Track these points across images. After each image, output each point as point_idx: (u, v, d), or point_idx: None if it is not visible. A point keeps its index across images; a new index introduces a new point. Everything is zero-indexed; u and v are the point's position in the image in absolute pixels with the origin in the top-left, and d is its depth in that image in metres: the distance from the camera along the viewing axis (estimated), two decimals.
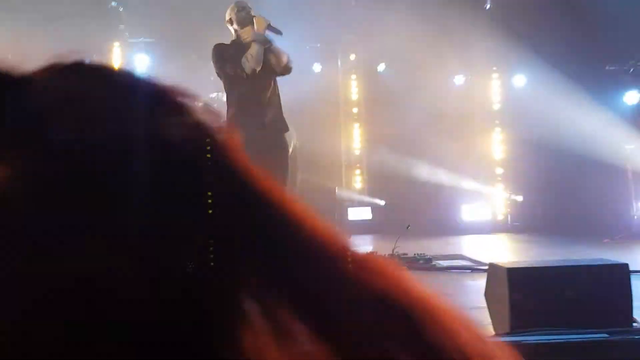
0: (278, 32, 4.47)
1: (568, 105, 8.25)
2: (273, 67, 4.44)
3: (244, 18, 4.45)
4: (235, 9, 4.49)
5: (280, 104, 4.51)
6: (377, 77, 9.64)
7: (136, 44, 9.29)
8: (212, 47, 4.48)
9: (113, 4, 8.73)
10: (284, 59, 4.42)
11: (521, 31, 8.41)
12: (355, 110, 9.46)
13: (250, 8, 4.53)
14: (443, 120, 8.98)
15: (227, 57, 4.34)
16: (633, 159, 7.80)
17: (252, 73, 4.28)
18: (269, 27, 4.42)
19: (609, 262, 3.06)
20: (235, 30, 4.50)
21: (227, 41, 4.54)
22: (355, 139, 9.45)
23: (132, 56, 9.39)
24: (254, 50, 4.31)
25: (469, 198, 9.08)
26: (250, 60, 4.26)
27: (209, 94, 8.08)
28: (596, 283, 2.93)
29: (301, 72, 8.59)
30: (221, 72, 4.43)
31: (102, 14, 8.71)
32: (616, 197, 7.99)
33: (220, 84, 4.71)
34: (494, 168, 9.25)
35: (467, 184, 9.16)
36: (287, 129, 4.52)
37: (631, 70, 8.74)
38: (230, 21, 4.52)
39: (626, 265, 2.99)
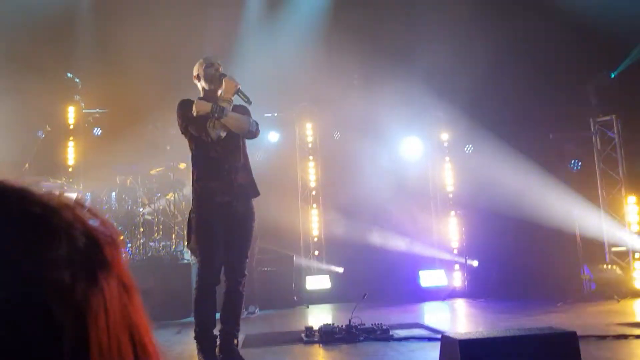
0: (247, 100, 4.11)
1: (516, 172, 8.56)
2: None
3: (212, 76, 4.11)
4: (204, 65, 4.15)
5: (250, 167, 4.19)
6: (333, 146, 9.83)
7: (91, 114, 9.32)
8: (178, 102, 4.11)
9: (68, 75, 8.77)
10: (245, 127, 4.06)
11: (467, 101, 8.78)
12: (312, 177, 9.57)
13: (220, 65, 4.20)
14: (398, 187, 9.17)
15: (191, 117, 3.97)
16: (580, 224, 8.07)
17: (218, 139, 3.96)
18: (239, 91, 4.08)
19: (558, 331, 3.11)
20: (203, 88, 4.17)
21: (194, 97, 4.16)
22: (313, 206, 9.50)
23: (87, 125, 9.40)
24: (226, 119, 3.96)
25: (426, 264, 9.15)
26: (216, 127, 3.94)
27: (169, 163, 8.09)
28: (546, 352, 2.96)
29: (258, 140, 8.75)
30: (185, 132, 4.08)
31: (58, 84, 8.75)
32: (567, 260, 8.19)
33: (180, 152, 4.49)
34: (448, 234, 9.40)
35: (424, 250, 9.26)
36: (257, 194, 4.19)
37: (572, 138, 9.18)
38: (198, 77, 4.19)
39: (574, 333, 3.05)
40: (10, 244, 0.43)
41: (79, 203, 0.49)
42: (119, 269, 0.48)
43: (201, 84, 4.18)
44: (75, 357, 0.42)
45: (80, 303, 0.43)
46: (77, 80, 8.87)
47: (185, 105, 4.05)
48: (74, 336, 0.42)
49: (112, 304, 0.45)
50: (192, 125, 3.98)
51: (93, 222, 0.48)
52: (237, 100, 4.16)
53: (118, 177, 8.39)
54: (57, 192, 0.50)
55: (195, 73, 4.21)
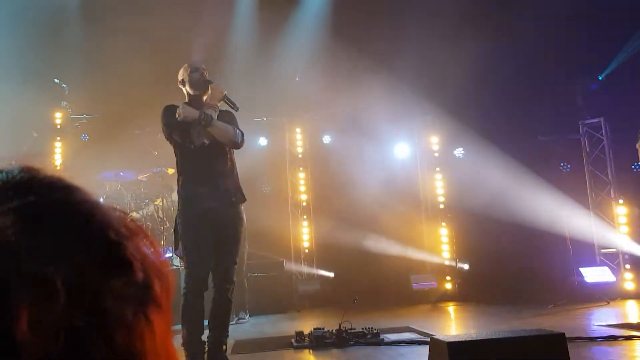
0: (234, 106, 4.04)
1: (506, 175, 8.59)
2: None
3: (197, 81, 4.03)
4: (189, 70, 4.07)
5: (236, 173, 4.11)
6: (323, 150, 9.84)
7: (78, 120, 9.28)
8: (162, 108, 4.02)
9: (55, 80, 8.72)
10: (230, 137, 3.97)
11: (456, 105, 8.81)
12: (302, 182, 9.55)
13: (205, 69, 4.12)
14: (388, 192, 9.17)
15: (175, 123, 3.90)
16: (570, 226, 8.09)
17: (202, 146, 3.89)
18: (225, 98, 4.00)
19: (546, 333, 3.09)
20: (188, 93, 4.08)
21: (179, 102, 4.06)
22: (304, 212, 9.48)
23: (74, 131, 9.34)
24: (198, 126, 3.88)
25: (416, 268, 9.15)
26: (200, 134, 3.88)
27: (152, 169, 8.04)
28: (535, 353, 2.95)
29: (248, 146, 8.72)
30: (170, 138, 4.01)
31: (45, 90, 8.70)
32: (558, 262, 8.21)
33: (168, 157, 4.41)
34: (439, 238, 9.41)
35: (415, 254, 9.26)
36: (244, 200, 4.12)
37: (561, 141, 9.22)
38: (183, 82, 4.10)
39: (563, 334, 3.03)
40: (78, 264, 0.42)
41: (140, 229, 0.48)
42: (167, 306, 0.47)
43: (186, 89, 4.10)
44: None
45: (137, 341, 0.43)
46: (64, 86, 8.81)
47: (169, 111, 3.97)
48: None
49: (160, 341, 0.46)
50: (176, 131, 3.92)
51: (149, 254, 0.47)
52: (223, 106, 4.11)
53: (106, 182, 8.33)
54: (126, 217, 0.49)
55: (180, 78, 4.14)
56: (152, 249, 0.48)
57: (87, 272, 0.42)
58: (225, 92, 4.03)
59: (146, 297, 0.45)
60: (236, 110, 4.08)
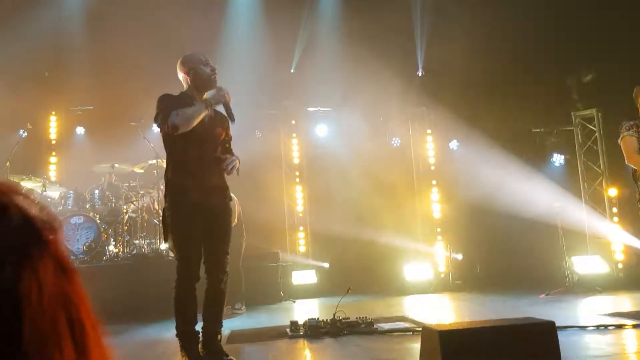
0: (231, 116, 3.94)
1: (499, 166, 8.64)
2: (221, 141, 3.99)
3: (209, 77, 3.94)
4: (198, 61, 3.96)
5: (224, 175, 4.02)
6: (317, 142, 9.86)
7: (74, 112, 9.27)
8: (160, 96, 3.89)
9: (46, 73, 8.72)
10: (229, 169, 3.94)
11: (450, 97, 8.84)
12: (297, 173, 9.58)
13: (216, 68, 4.00)
14: (382, 182, 9.22)
15: (163, 108, 3.80)
16: (562, 216, 8.16)
17: (173, 130, 3.71)
18: (226, 106, 3.89)
19: (536, 321, 3.15)
20: (191, 83, 3.96)
21: (175, 94, 3.96)
22: (299, 203, 9.52)
23: (70, 123, 9.34)
24: (196, 110, 3.80)
25: (411, 258, 9.21)
26: (179, 118, 3.72)
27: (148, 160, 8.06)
28: (525, 342, 3.00)
29: (243, 138, 8.73)
30: (159, 126, 3.89)
31: (39, 82, 8.69)
32: (550, 252, 8.29)
33: (160, 149, 4.36)
34: (433, 228, 9.47)
35: (409, 244, 9.32)
36: (229, 199, 4.09)
37: (555, 132, 9.28)
38: (191, 72, 3.96)
39: (552, 323, 3.08)
40: None
41: (17, 190, 0.50)
42: (57, 252, 0.48)
43: (191, 79, 3.98)
44: (8, 330, 0.43)
45: (12, 277, 0.43)
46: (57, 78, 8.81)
47: (164, 99, 3.91)
48: (4, 309, 0.43)
49: (46, 282, 0.46)
50: (162, 115, 3.80)
51: (31, 207, 0.49)
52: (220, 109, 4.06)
53: (102, 174, 8.34)
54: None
55: (186, 67, 3.99)
56: (33, 203, 0.50)
57: None
58: (230, 100, 3.92)
59: (26, 242, 0.46)
60: (232, 122, 4.00)
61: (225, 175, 4.07)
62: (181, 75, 4.05)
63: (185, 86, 4.04)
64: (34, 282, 0.45)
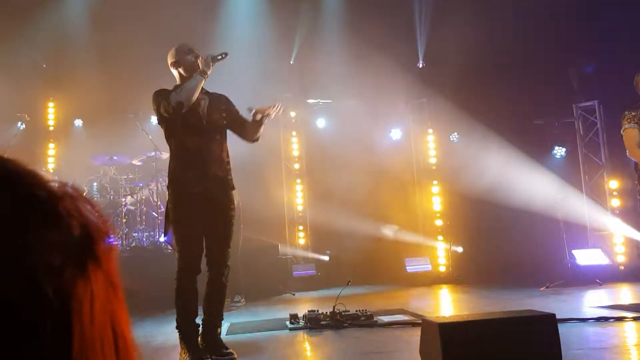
0: (223, 55, 3.97)
1: (500, 159, 8.61)
2: (231, 127, 4.06)
3: (192, 64, 4.00)
4: (182, 52, 4.04)
5: (228, 162, 4.07)
6: (317, 134, 9.82)
7: (72, 103, 9.24)
8: (155, 92, 3.98)
9: (44, 65, 8.69)
10: (259, 134, 4.06)
11: (451, 88, 8.79)
12: (297, 166, 9.55)
13: (198, 52, 4.06)
14: (383, 175, 9.19)
15: (160, 97, 3.89)
16: (563, 209, 8.14)
17: (178, 106, 3.80)
18: (212, 59, 3.92)
19: (537, 313, 3.12)
20: (181, 75, 4.04)
21: (170, 87, 4.02)
22: (298, 196, 9.49)
23: (68, 115, 9.30)
24: (192, 81, 3.87)
25: (411, 250, 9.20)
26: (179, 94, 3.82)
27: (146, 153, 8.02)
28: (526, 334, 2.98)
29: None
30: (159, 118, 3.99)
31: (36, 74, 8.66)
32: (551, 245, 8.26)
33: (162, 142, 4.35)
34: (433, 221, 9.44)
35: (409, 237, 9.30)
36: (233, 187, 4.10)
37: (556, 124, 9.23)
38: (176, 64, 4.06)
39: (553, 315, 3.06)
40: (11, 221, 0.44)
41: (81, 195, 0.51)
42: (108, 265, 0.49)
43: (180, 71, 4.06)
44: (57, 337, 0.43)
45: (67, 286, 0.44)
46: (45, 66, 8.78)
47: (159, 93, 3.97)
48: (58, 316, 0.44)
49: (98, 294, 0.47)
50: (162, 103, 3.87)
51: (91, 216, 0.50)
52: (218, 81, 4.09)
53: (100, 167, 8.31)
54: (64, 182, 0.51)
55: (172, 59, 4.08)
56: (94, 211, 0.50)
57: (17, 224, 0.44)
58: (208, 55, 3.96)
59: (84, 253, 0.46)
60: (225, 56, 4.00)
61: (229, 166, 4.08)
62: (171, 69, 4.12)
63: (177, 79, 4.10)
64: (87, 293, 0.46)
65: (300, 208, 9.45)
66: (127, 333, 0.51)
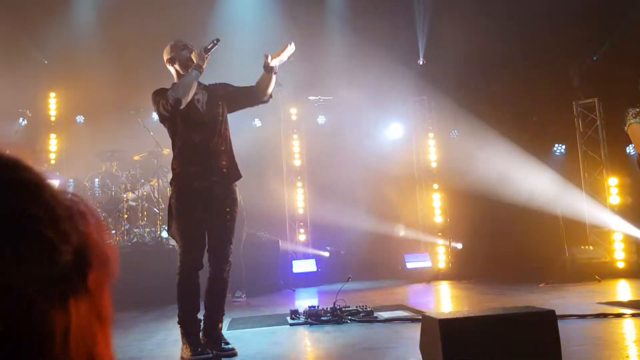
0: (215, 42, 3.98)
1: (500, 155, 8.63)
2: (234, 103, 4.11)
3: (187, 59, 4.03)
4: (177, 48, 4.06)
5: (232, 150, 4.11)
6: (318, 131, 9.83)
7: (73, 101, 9.26)
8: (154, 91, 4.02)
9: (45, 62, 8.69)
10: (271, 89, 4.13)
11: (451, 86, 8.80)
12: (297, 162, 9.56)
13: (192, 47, 4.09)
14: (383, 171, 9.21)
15: (159, 96, 3.92)
16: (562, 205, 8.15)
17: (176, 103, 3.80)
18: (206, 51, 3.95)
19: (537, 310, 3.15)
20: (177, 71, 4.07)
21: (168, 85, 4.06)
22: (299, 192, 9.51)
23: (70, 111, 9.32)
24: (187, 77, 3.90)
25: (410, 247, 9.23)
26: (176, 91, 3.84)
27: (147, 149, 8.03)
28: (525, 331, 3.00)
29: (243, 127, 8.72)
30: (160, 116, 4.01)
31: (37, 71, 8.67)
32: (549, 241, 8.29)
33: (163, 138, 4.37)
34: (433, 217, 9.47)
35: (409, 232, 9.33)
36: (239, 176, 4.14)
37: (554, 120, 9.24)
38: (172, 60, 4.08)
39: (552, 312, 3.08)
40: None
41: (92, 213, 0.48)
42: (100, 296, 0.47)
43: (176, 67, 4.09)
44: None
45: (38, 322, 0.42)
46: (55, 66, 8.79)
47: (158, 92, 4.00)
48: (32, 348, 0.42)
49: (78, 326, 0.45)
50: (161, 101, 3.89)
51: (93, 239, 0.47)
52: (219, 79, 4.11)
53: (102, 163, 8.33)
54: (75, 198, 0.48)
55: (167, 56, 4.11)
56: (100, 232, 0.48)
57: None
58: (202, 47, 3.99)
59: (67, 284, 0.44)
60: (218, 41, 4.02)
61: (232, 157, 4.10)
62: (167, 66, 4.16)
63: (174, 76, 4.14)
64: (61, 326, 0.44)
65: (301, 204, 9.47)
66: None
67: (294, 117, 9.66)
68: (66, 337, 0.43)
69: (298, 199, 9.48)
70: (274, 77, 4.12)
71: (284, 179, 9.54)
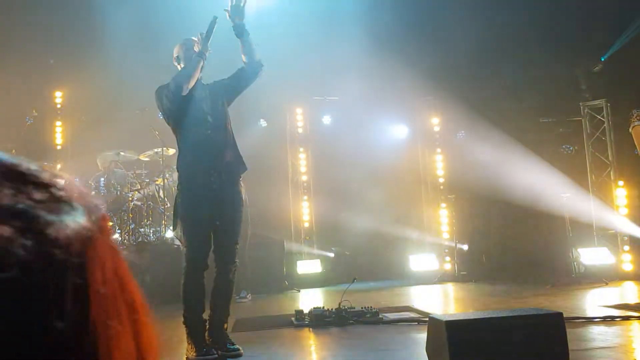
0: (212, 24, 4.04)
1: (507, 156, 8.59)
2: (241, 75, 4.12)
3: (192, 58, 4.07)
4: (184, 48, 4.13)
5: (235, 143, 4.11)
6: (322, 130, 9.81)
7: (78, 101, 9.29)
8: (157, 88, 4.07)
9: (51, 61, 8.72)
10: (256, 55, 4.11)
11: (458, 86, 8.77)
12: (303, 163, 9.54)
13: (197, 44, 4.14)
14: (388, 172, 9.19)
15: (161, 92, 3.99)
16: (569, 207, 8.11)
17: (178, 89, 3.87)
18: (203, 34, 4.03)
19: (544, 312, 3.13)
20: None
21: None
22: (304, 192, 9.48)
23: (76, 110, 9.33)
24: (188, 64, 3.98)
25: (416, 248, 9.20)
26: (177, 78, 3.93)
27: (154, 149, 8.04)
28: (533, 333, 2.98)
29: (248, 127, 8.71)
30: (164, 113, 4.06)
31: (43, 70, 8.69)
32: (556, 243, 8.24)
33: (168, 138, 4.38)
34: (439, 218, 9.43)
35: (414, 234, 9.30)
36: (245, 169, 4.14)
37: (563, 122, 9.21)
38: (178, 59, 4.16)
39: (560, 314, 3.06)
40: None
41: (76, 188, 0.49)
42: (109, 234, 0.50)
43: (181, 67, 4.13)
44: (78, 309, 0.43)
45: (78, 260, 0.44)
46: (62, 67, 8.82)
47: (162, 89, 4.03)
48: (75, 290, 0.43)
49: (107, 261, 0.47)
50: (164, 91, 3.94)
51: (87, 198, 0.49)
52: (217, 58, 4.18)
53: (107, 162, 8.34)
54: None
55: (175, 55, 4.17)
56: (90, 197, 0.50)
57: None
58: (199, 34, 4.04)
59: (90, 225, 0.46)
60: (215, 20, 4.06)
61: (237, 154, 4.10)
62: (175, 64, 4.19)
63: None
64: (98, 261, 0.46)
65: (306, 204, 9.45)
66: (136, 295, 0.51)
67: (299, 117, 9.65)
68: (103, 272, 0.46)
69: (303, 199, 9.45)
70: (249, 39, 4.11)
71: (290, 180, 9.53)
